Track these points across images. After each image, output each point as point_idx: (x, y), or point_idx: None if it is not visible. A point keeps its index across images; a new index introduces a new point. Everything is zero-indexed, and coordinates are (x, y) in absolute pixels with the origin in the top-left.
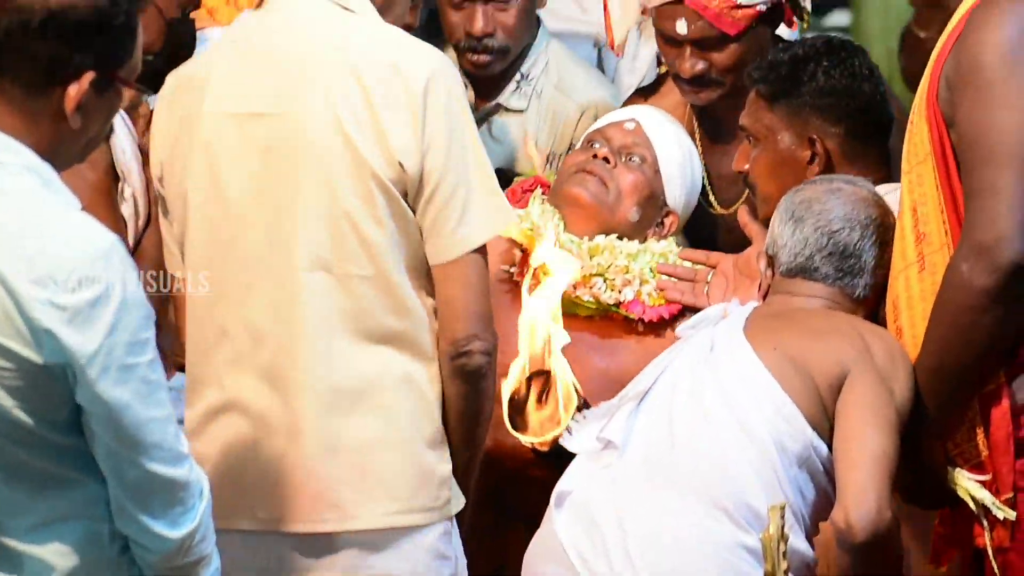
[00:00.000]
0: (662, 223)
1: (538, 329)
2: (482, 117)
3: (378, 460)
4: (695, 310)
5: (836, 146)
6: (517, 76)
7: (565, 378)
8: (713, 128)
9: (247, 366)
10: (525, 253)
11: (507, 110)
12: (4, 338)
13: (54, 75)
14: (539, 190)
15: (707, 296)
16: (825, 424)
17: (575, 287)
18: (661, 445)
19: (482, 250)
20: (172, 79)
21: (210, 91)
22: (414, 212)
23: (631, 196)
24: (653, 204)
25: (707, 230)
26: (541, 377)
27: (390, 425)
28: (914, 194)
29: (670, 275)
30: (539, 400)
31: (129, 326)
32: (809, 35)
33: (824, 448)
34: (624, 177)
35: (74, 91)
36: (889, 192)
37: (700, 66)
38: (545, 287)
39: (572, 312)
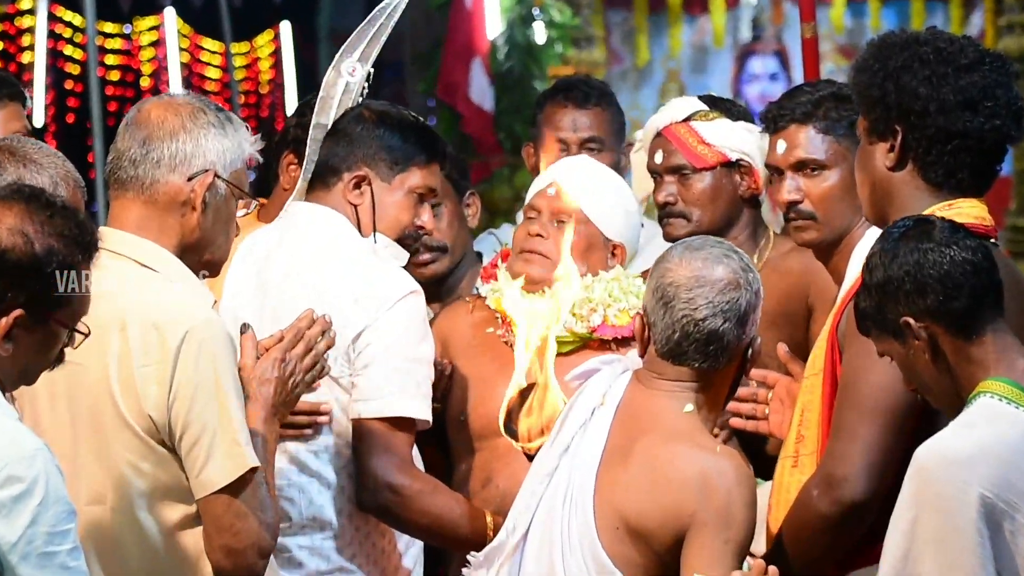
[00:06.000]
0: (613, 255)
1: (529, 353)
2: None
3: None
4: None
5: None
6: None
7: (553, 394)
8: None
9: None
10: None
11: None
12: None
13: None
14: (503, 265)
15: (768, 420)
16: None
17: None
18: None
19: (232, 486)
20: None
21: None
22: (176, 454)
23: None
24: (595, 248)
25: None
26: (532, 392)
27: None
28: (804, 398)
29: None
30: (529, 412)
31: (49, 519)
32: None
33: None
34: (559, 242)
35: (3, 322)
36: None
37: (670, 196)
38: (533, 326)
39: (556, 351)
